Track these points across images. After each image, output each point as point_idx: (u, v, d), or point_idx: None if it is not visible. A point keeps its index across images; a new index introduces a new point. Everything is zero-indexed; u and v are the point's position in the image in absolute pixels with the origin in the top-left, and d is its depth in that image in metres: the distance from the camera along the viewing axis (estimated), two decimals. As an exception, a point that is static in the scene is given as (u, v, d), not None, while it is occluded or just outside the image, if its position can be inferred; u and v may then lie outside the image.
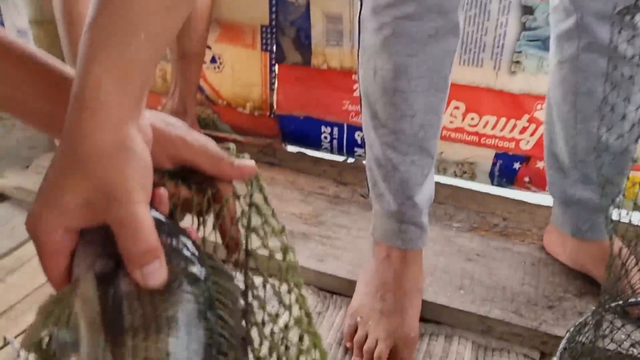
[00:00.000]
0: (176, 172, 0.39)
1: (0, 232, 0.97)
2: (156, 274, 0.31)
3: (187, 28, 1.15)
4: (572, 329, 0.58)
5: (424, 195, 0.79)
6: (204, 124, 1.34)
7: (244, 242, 0.40)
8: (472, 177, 1.25)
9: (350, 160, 1.29)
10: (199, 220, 0.42)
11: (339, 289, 0.85)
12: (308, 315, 0.36)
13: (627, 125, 0.76)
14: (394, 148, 0.75)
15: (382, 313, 0.74)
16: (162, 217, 0.36)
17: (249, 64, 1.27)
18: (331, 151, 1.31)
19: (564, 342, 0.56)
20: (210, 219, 0.42)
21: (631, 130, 0.77)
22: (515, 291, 0.83)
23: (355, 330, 0.76)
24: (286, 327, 0.37)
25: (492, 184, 1.22)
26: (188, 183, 0.40)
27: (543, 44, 1.04)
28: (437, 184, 1.15)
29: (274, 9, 1.19)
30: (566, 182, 0.85)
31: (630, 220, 0.66)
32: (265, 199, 0.40)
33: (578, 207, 0.84)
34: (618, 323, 0.67)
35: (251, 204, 0.39)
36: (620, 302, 0.72)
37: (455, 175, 1.25)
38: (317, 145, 1.31)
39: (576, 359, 0.60)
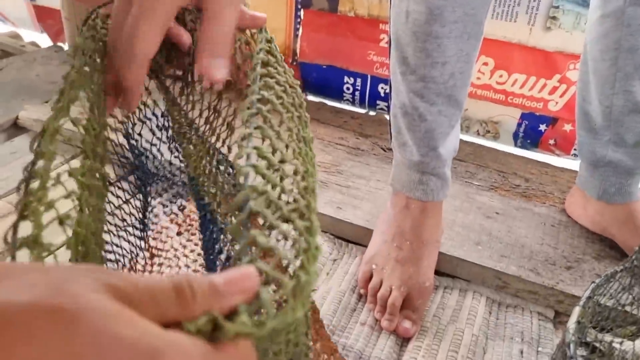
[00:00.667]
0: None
1: (19, 164, 0.98)
2: (222, 70, 0.35)
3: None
4: (597, 281, 0.56)
5: (449, 146, 0.77)
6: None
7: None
8: (496, 137, 1.22)
9: (372, 113, 1.27)
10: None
11: (355, 238, 0.85)
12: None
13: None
14: (422, 96, 0.73)
15: (398, 261, 0.74)
16: None
17: (274, 7, 1.23)
18: (353, 103, 1.29)
19: (587, 292, 0.55)
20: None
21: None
22: (533, 250, 0.82)
23: (370, 277, 0.75)
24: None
25: (515, 145, 1.20)
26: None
27: (582, -1, 1.00)
28: (460, 141, 1.13)
29: (303, -50, 1.15)
30: (597, 142, 0.82)
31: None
32: (276, 48, 0.38)
33: (607, 169, 0.82)
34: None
35: (260, 51, 0.37)
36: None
37: (479, 134, 1.23)
38: (339, 96, 1.29)
39: (596, 316, 0.59)
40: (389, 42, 0.76)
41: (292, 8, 1.23)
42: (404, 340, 0.71)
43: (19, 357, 0.17)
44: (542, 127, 1.15)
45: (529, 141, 1.18)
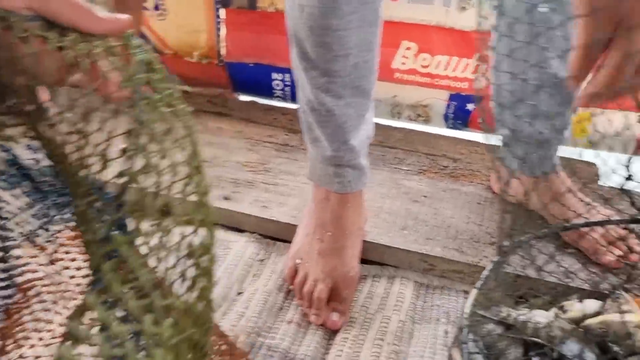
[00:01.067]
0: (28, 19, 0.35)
1: None
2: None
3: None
4: (497, 258, 0.57)
5: (362, 136, 0.76)
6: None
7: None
8: (427, 121, 1.22)
9: (304, 107, 1.26)
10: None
11: (282, 235, 0.84)
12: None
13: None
14: (328, 91, 0.71)
15: (320, 254, 0.73)
16: None
17: (193, 9, 1.21)
18: (284, 99, 1.27)
19: (488, 269, 0.55)
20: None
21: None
22: (459, 229, 0.83)
23: (296, 273, 0.75)
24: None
25: (447, 126, 1.20)
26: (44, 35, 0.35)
27: (491, -23, 1.00)
28: (390, 127, 1.14)
29: (213, -52, 1.13)
30: (513, 117, 0.83)
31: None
32: (152, 59, 0.35)
33: (525, 143, 0.83)
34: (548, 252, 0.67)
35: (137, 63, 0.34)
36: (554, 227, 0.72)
37: (410, 119, 1.23)
38: (270, 93, 1.27)
39: (502, 287, 0.59)
40: (289, 38, 0.74)
41: (211, 8, 1.20)
42: (332, 334, 0.70)
43: None
44: (470, 107, 1.16)
45: (459, 122, 1.19)
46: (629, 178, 0.61)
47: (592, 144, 1.14)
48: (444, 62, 1.13)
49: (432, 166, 1.00)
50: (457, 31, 1.09)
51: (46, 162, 0.45)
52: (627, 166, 0.61)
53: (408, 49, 1.14)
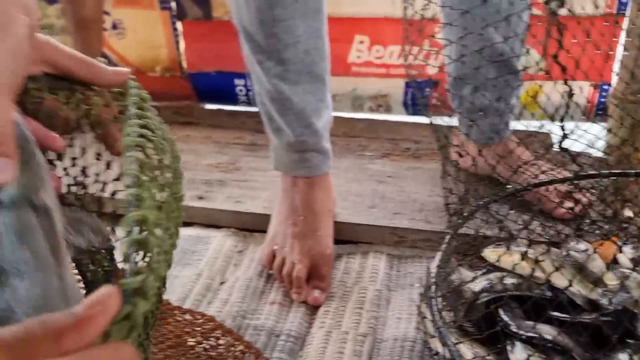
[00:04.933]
0: (40, 79, 0.39)
1: None
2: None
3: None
4: (457, 221, 0.62)
5: (324, 120, 0.80)
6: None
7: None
8: (388, 110, 1.28)
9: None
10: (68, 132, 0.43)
11: (258, 226, 0.87)
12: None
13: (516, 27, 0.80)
14: (284, 79, 0.76)
15: (295, 237, 0.77)
16: (24, 128, 0.35)
17: (151, 25, 1.24)
18: (249, 104, 1.31)
19: (448, 235, 0.60)
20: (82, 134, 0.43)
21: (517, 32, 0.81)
22: (424, 202, 0.87)
23: (274, 258, 0.78)
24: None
25: (408, 113, 1.26)
26: (55, 91, 0.40)
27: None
28: (353, 119, 1.18)
29: (165, -37, 1.17)
30: (464, 91, 0.88)
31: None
32: (145, 100, 0.39)
33: (479, 115, 0.88)
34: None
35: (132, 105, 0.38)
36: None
37: (372, 110, 1.28)
38: (234, 100, 1.31)
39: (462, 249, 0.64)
40: (238, 34, 0.78)
41: (167, 22, 1.24)
42: (313, 309, 0.74)
43: None
44: (427, 92, 1.22)
45: (418, 107, 1.24)
46: (564, 137, 0.67)
47: (546, 115, 1.21)
48: (397, 51, 1.19)
49: (394, 150, 1.05)
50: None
51: None
52: (562, 126, 0.66)
53: (361, 42, 1.19)
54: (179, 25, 1.24)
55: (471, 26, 0.83)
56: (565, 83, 0.63)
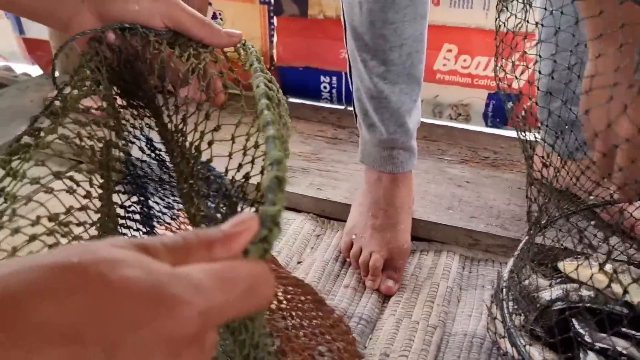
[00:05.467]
0: (162, 33, 0.45)
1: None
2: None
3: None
4: (532, 230, 0.63)
5: (414, 120, 0.84)
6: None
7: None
8: (468, 119, 1.29)
9: (350, 108, 1.34)
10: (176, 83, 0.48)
11: (336, 214, 0.91)
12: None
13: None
14: (385, 79, 0.80)
15: (375, 228, 0.80)
16: None
17: (249, 17, 1.31)
18: (331, 101, 1.36)
19: (522, 242, 0.62)
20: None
21: None
22: (501, 210, 0.89)
23: (352, 246, 0.82)
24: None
25: (487, 125, 1.27)
26: (172, 45, 0.46)
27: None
28: (433, 125, 1.21)
29: (269, -40, 1.24)
30: (553, 105, 0.89)
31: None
32: (259, 60, 0.45)
33: (565, 128, 0.89)
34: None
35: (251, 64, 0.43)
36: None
37: (451, 118, 1.30)
38: (318, 96, 1.36)
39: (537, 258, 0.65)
40: (344, 32, 0.83)
41: (265, 16, 1.31)
42: (385, 298, 0.77)
43: (43, 313, 0.20)
44: (509, 105, 1.22)
45: (498, 119, 1.25)
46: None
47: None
48: (484, 62, 1.20)
49: (473, 157, 1.07)
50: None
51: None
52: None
53: (449, 51, 1.22)
54: (275, 20, 1.30)
55: (563, 44, 0.84)
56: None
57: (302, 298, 0.64)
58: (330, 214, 0.92)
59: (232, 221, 0.26)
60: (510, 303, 0.66)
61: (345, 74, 1.30)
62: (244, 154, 0.44)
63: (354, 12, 0.78)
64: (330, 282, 0.79)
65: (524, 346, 0.61)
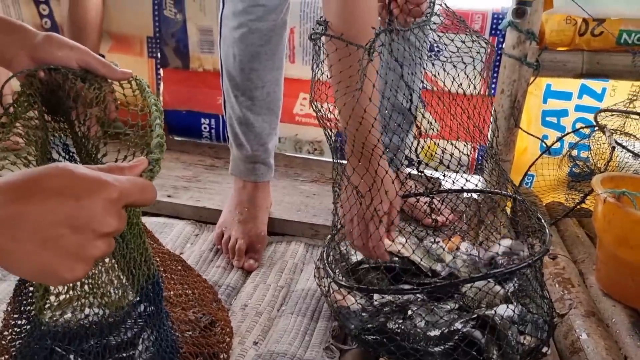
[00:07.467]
0: (76, 71, 0.70)
1: None
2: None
3: (79, 37, 1.41)
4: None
5: (272, 142, 1.12)
6: (101, 123, 1.60)
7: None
8: (322, 153, 1.61)
9: (225, 143, 1.61)
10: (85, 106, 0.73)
11: (211, 219, 1.16)
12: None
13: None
14: (251, 110, 1.08)
15: (240, 222, 1.06)
16: None
17: (139, 69, 1.56)
18: (210, 139, 1.62)
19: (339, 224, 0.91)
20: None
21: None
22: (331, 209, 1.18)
23: (222, 236, 1.06)
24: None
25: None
26: (83, 79, 0.70)
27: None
28: (293, 157, 1.51)
29: (157, 23, 1.51)
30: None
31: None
32: (147, 86, 0.70)
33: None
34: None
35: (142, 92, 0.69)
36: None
37: (309, 152, 1.61)
38: (199, 135, 1.62)
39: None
40: (221, 74, 1.11)
41: (153, 68, 1.56)
42: (247, 273, 1.02)
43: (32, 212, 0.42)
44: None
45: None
46: (410, 163, 1.01)
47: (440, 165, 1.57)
48: (331, 107, 1.53)
49: (320, 178, 1.37)
50: (338, 85, 1.50)
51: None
52: (417, 155, 1.00)
53: (304, 98, 1.54)
54: (162, 71, 1.56)
55: (383, 89, 1.18)
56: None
57: (175, 264, 0.87)
58: (207, 218, 1.16)
59: (134, 160, 0.52)
60: (330, 259, 0.94)
61: (222, 116, 1.57)
62: (128, 149, 0.68)
63: (229, 61, 1.06)
64: (206, 265, 1.03)
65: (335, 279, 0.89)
